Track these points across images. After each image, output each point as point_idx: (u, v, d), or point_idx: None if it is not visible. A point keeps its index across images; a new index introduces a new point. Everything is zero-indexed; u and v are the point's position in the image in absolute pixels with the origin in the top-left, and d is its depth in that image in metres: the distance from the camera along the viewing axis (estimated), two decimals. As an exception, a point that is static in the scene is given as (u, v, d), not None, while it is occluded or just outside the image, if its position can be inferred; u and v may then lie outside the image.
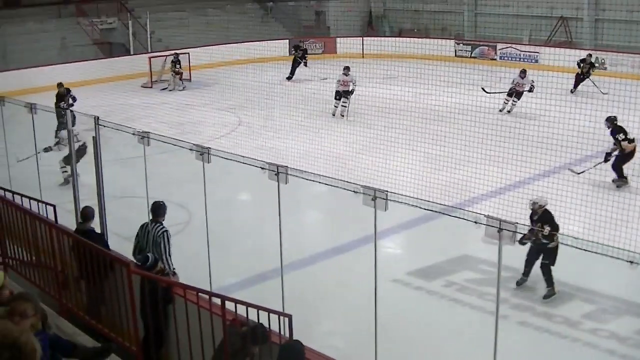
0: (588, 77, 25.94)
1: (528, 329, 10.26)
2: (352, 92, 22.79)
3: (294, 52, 31.75)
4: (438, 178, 15.22)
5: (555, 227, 10.95)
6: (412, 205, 7.59)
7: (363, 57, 35.13)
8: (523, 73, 22.78)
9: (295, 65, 30.79)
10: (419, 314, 10.79)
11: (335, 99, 23.01)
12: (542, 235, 11.30)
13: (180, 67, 29.67)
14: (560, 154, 16.20)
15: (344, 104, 22.87)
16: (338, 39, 37.23)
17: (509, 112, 22.33)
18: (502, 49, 34.04)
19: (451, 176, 15.55)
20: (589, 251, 7.39)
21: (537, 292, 11.29)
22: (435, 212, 7.99)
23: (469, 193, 14.93)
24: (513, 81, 22.78)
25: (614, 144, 15.66)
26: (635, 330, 10.19)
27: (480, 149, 16.42)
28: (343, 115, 22.80)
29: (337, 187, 8.01)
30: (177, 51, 30.23)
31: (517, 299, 10.97)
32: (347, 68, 23.19)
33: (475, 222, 7.05)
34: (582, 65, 26.24)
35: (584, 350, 9.84)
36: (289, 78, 30.35)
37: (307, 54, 31.20)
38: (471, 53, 34.82)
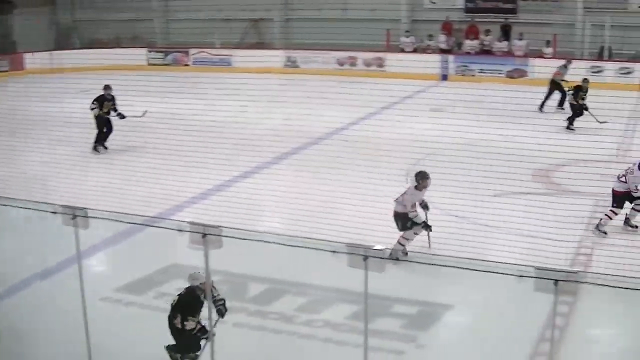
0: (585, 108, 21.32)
1: (243, 329, 10.29)
2: None
3: None
4: (139, 190, 14.96)
5: None
6: (114, 220, 7.37)
7: (53, 71, 33.91)
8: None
9: None
10: (132, 329, 10.49)
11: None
12: None
13: None
14: (256, 154, 16.58)
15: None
16: (25, 55, 35.42)
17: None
18: (195, 54, 34.28)
19: (152, 186, 15.32)
20: (293, 246, 7.56)
21: (248, 292, 11.41)
22: (139, 224, 7.80)
23: (171, 202, 14.80)
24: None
25: None
26: (347, 316, 10.52)
27: (179, 156, 16.38)
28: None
29: (31, 209, 7.60)
30: None
31: (231, 301, 10.92)
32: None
33: (180, 230, 6.97)
34: (580, 94, 21.47)
35: (301, 343, 10.05)
36: None
37: None
38: (164, 60, 34.73)
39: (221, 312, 8.85)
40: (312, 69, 31.29)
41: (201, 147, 16.50)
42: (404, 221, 12.01)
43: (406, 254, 12.18)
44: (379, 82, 26.04)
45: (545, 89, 23.36)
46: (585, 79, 21.62)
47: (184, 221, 7.04)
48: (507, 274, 8.81)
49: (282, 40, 35.72)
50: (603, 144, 16.13)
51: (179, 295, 8.90)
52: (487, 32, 32.62)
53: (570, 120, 21.41)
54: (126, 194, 14.36)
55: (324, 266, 11.49)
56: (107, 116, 19.73)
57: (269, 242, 8.04)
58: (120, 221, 7.48)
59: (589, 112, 20.74)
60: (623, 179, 13.49)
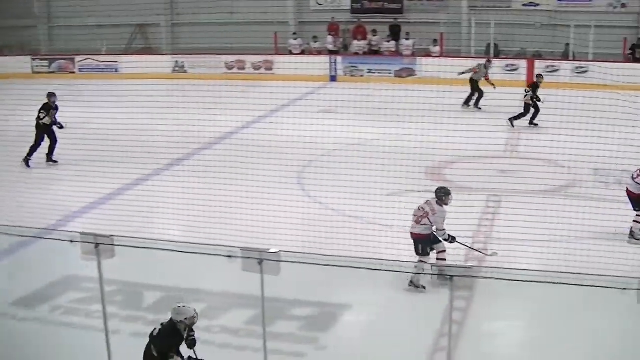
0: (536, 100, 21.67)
1: (141, 339, 10.14)
2: None
3: None
4: (29, 201, 14.58)
5: None
6: (3, 234, 7.18)
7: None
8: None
9: None
10: (27, 344, 10.23)
11: None
12: None
13: None
14: (148, 161, 16.36)
15: None
16: None
17: None
18: (81, 61, 33.61)
19: (42, 197, 14.95)
20: (188, 252, 7.51)
21: (144, 301, 11.26)
22: (29, 237, 7.62)
23: (62, 212, 14.47)
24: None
25: None
26: (244, 321, 10.50)
27: (69, 165, 16.06)
28: None
29: None
30: None
31: (127, 311, 10.84)
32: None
33: (71, 241, 6.84)
34: (536, 92, 21.74)
35: (200, 349, 9.95)
36: None
37: None
38: (49, 68, 33.94)
39: (192, 344, 8.50)
40: (200, 74, 31.08)
41: (91, 155, 16.23)
42: (427, 244, 11.36)
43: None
44: (268, 85, 26.11)
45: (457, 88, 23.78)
46: (540, 75, 22.01)
47: (75, 232, 6.89)
48: (403, 272, 9.03)
49: (169, 45, 35.42)
50: (492, 140, 16.55)
51: (161, 324, 8.38)
52: (374, 32, 33.03)
53: (531, 117, 21.89)
54: (14, 206, 13.99)
55: (220, 271, 11.49)
56: (52, 126, 18.46)
57: (162, 249, 7.97)
58: (10, 234, 7.27)
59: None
60: (639, 179, 12.69)
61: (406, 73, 31.13)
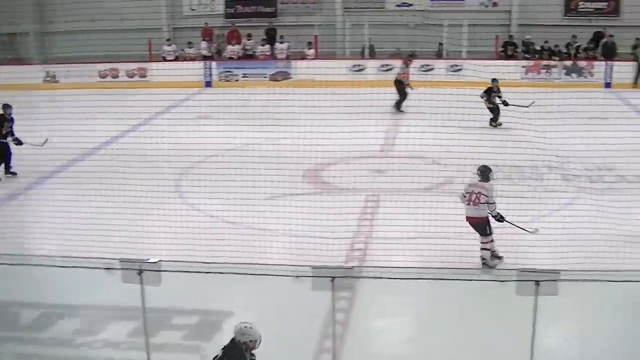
0: (498, 102, 21.81)
1: None
2: None
3: None
4: None
5: None
6: None
7: None
8: None
9: None
10: None
11: None
12: None
13: None
14: (21, 174, 15.96)
15: None
16: None
17: None
18: (-58, 73, 32.42)
19: None
20: (64, 267, 7.33)
21: (20, 320, 10.93)
22: None
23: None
24: None
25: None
26: (127, 334, 10.33)
27: None
28: None
29: None
30: None
31: (2, 332, 10.50)
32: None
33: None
34: (492, 94, 21.84)
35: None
36: None
37: None
38: None
39: None
40: (73, 83, 30.41)
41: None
42: (487, 225, 11.79)
43: (500, 257, 12.00)
44: (142, 92, 25.75)
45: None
46: (494, 79, 21.95)
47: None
48: (284, 275, 9.05)
49: (39, 54, 34.50)
50: (368, 141, 16.79)
51: (223, 349, 7.74)
52: (249, 36, 32.99)
53: (493, 120, 21.88)
54: None
55: (99, 285, 11.30)
56: (4, 140, 17.08)
57: (38, 265, 7.78)
58: None
59: (512, 104, 20.59)
60: None
61: (281, 76, 31.23)
